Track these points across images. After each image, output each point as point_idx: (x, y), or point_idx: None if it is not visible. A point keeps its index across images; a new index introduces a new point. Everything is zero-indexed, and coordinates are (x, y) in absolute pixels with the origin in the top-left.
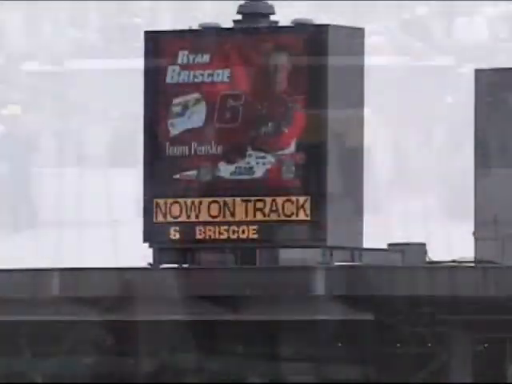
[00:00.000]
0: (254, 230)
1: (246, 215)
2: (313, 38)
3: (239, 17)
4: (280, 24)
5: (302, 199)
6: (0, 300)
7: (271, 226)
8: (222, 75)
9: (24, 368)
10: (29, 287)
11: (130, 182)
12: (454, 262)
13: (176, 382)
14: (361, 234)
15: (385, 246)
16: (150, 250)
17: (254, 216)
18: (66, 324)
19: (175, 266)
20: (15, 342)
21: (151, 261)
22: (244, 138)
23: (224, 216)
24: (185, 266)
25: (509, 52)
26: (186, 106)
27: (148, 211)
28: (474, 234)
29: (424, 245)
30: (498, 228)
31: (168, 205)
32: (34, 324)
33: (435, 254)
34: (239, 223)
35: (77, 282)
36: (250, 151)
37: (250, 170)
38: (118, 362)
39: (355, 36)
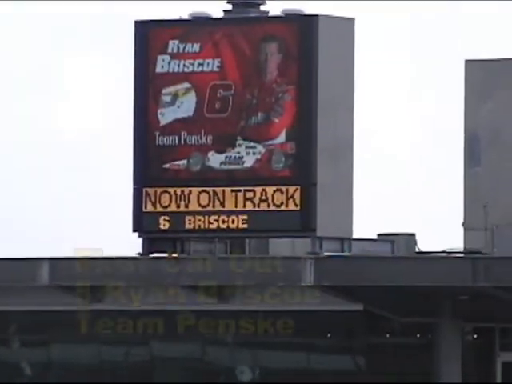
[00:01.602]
0: (243, 219)
1: (236, 205)
2: (303, 28)
3: (229, 6)
4: (270, 14)
5: (291, 189)
6: None
7: (261, 215)
8: (212, 65)
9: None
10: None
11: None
12: (443, 252)
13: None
14: (350, 224)
15: (374, 237)
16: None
17: (244, 206)
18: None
19: (164, 255)
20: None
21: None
22: (234, 128)
23: (214, 205)
24: (174, 255)
25: None
26: (175, 96)
27: (137, 200)
28: (463, 224)
29: (414, 235)
30: (487, 218)
31: (157, 194)
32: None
33: (425, 244)
34: (229, 213)
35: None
36: (239, 141)
37: (240, 159)
38: (109, 351)
39: (345, 26)
